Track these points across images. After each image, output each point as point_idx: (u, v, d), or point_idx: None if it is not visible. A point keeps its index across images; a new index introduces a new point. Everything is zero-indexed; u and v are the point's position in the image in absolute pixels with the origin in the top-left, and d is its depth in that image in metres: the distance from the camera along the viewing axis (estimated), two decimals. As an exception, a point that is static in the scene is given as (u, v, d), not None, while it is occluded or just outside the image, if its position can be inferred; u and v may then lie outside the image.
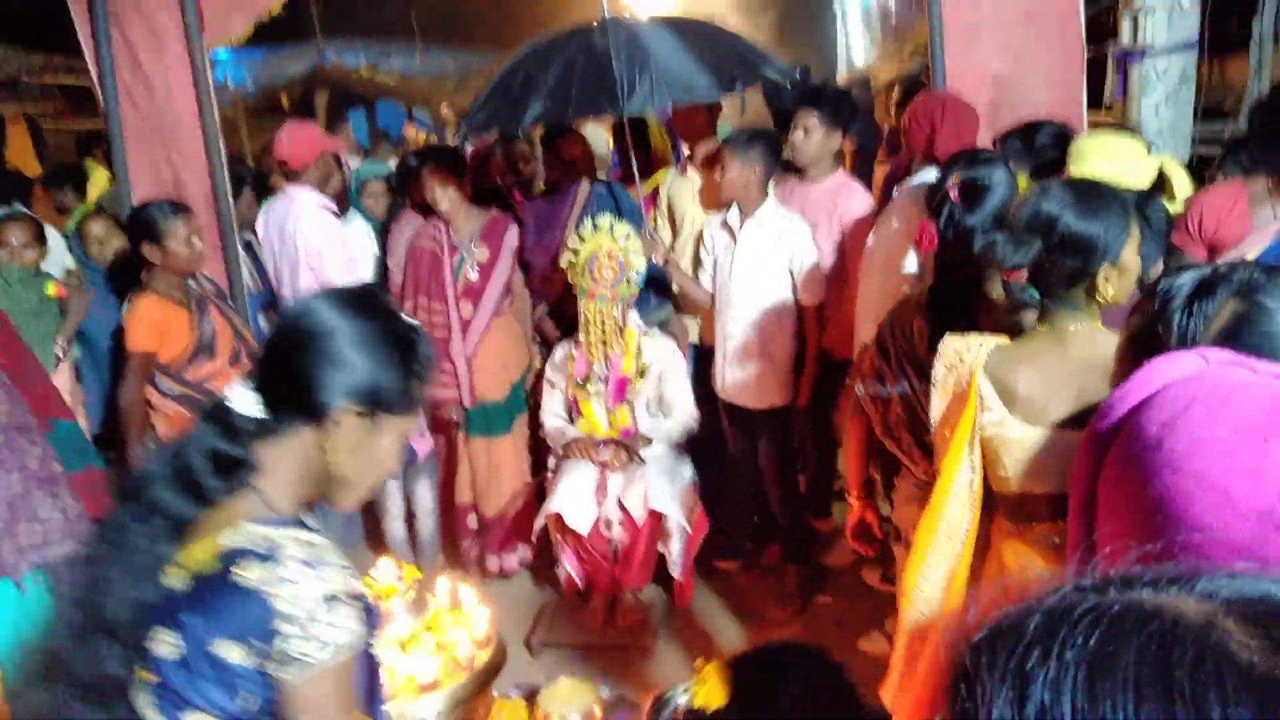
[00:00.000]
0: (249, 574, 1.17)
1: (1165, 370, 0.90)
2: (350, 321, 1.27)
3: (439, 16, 19.78)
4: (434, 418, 3.92)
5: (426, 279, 3.79)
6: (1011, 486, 1.84)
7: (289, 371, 1.27)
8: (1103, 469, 0.91)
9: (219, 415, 1.26)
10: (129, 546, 1.20)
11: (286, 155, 3.95)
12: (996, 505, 1.90)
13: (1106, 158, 2.68)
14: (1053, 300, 1.78)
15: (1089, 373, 1.71)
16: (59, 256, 4.36)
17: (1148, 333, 1.22)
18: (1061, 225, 1.71)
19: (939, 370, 1.95)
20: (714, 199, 3.75)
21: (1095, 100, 4.18)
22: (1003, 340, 1.89)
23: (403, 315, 1.35)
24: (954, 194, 2.24)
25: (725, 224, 3.59)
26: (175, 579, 1.21)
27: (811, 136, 3.54)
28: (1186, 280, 1.22)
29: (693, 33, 3.61)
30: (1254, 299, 1.13)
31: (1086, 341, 1.78)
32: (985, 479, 1.89)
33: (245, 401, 1.26)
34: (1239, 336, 1.07)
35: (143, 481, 1.24)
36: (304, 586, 1.17)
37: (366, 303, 1.32)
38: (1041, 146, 3.01)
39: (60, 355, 3.90)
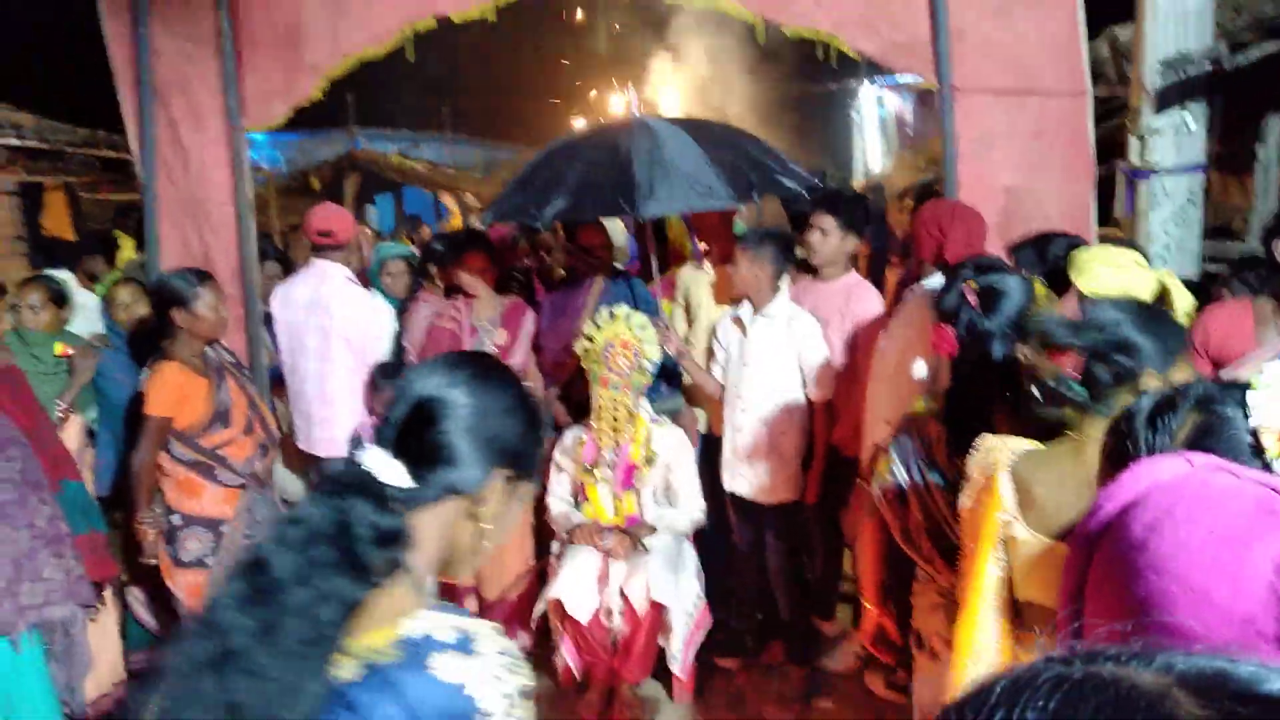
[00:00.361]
0: (448, 667, 1.10)
1: (1150, 473, 0.92)
2: (494, 389, 1.26)
3: (468, 111, 20.53)
4: None
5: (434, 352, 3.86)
6: (1017, 591, 1.84)
7: (440, 441, 1.22)
8: (1090, 568, 0.93)
9: (368, 485, 1.15)
10: (284, 634, 1.04)
11: (333, 227, 4.09)
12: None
13: (1108, 268, 2.74)
14: (1095, 402, 1.79)
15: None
16: (92, 320, 4.46)
17: (1119, 450, 1.26)
18: (1124, 328, 1.77)
19: (972, 468, 1.97)
20: (728, 293, 3.83)
21: (1105, 216, 4.27)
22: (1033, 444, 1.90)
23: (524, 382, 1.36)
24: (972, 299, 2.28)
25: (737, 318, 3.66)
26: (346, 668, 1.09)
27: (827, 238, 3.64)
28: (1147, 400, 1.28)
29: (714, 138, 3.73)
30: (1213, 409, 1.18)
31: None
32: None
33: (391, 470, 1.17)
34: (1204, 446, 1.11)
35: (286, 562, 1.07)
36: (503, 682, 1.12)
37: (498, 370, 1.32)
38: (1055, 257, 3.07)
39: (61, 416, 3.94)
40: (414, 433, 1.23)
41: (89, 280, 5.68)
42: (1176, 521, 0.83)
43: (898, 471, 2.42)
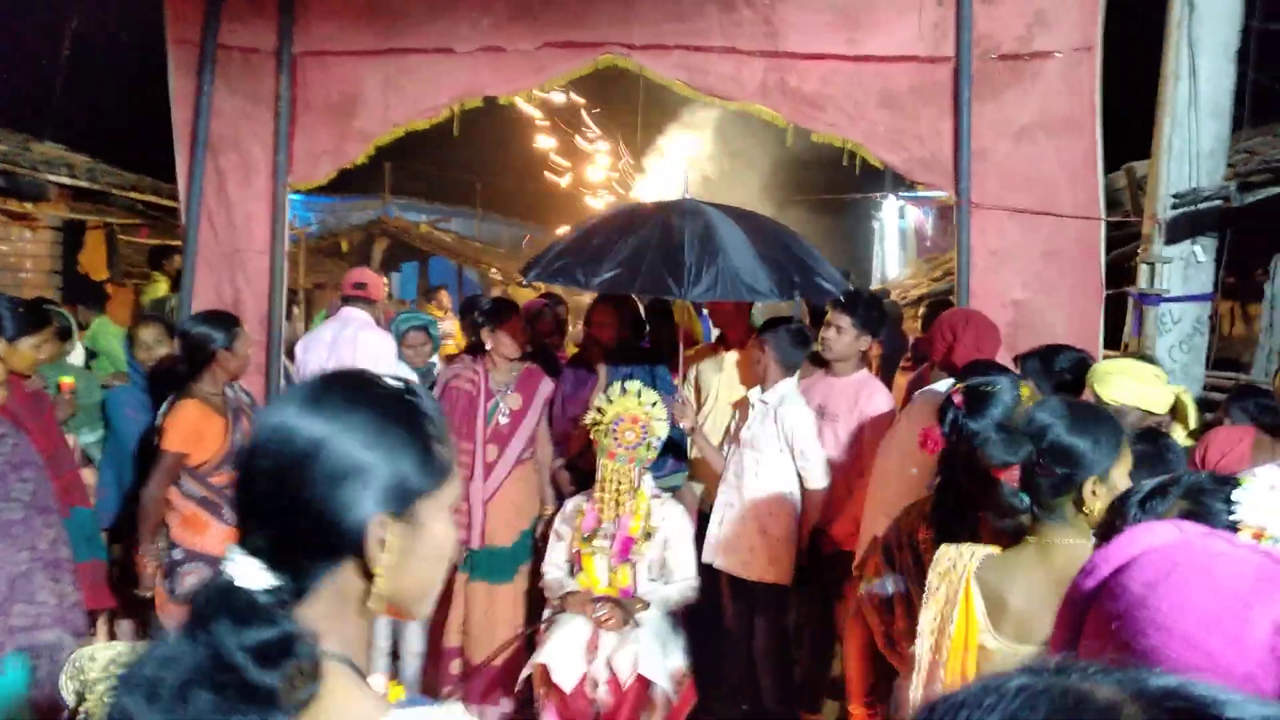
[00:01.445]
0: None
1: (1145, 536, 0.95)
2: (342, 419, 0.98)
3: (498, 190, 21.07)
4: None
5: (458, 419, 3.93)
6: None
7: (292, 513, 0.96)
8: (1085, 627, 0.95)
9: (231, 605, 0.91)
10: None
11: (367, 281, 4.70)
12: None
13: (1129, 379, 2.81)
14: (1041, 509, 1.85)
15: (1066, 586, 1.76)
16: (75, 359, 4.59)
17: (1110, 526, 1.34)
18: (1052, 434, 1.80)
19: (932, 578, 1.97)
20: (749, 378, 3.93)
21: (1112, 338, 4.38)
22: (994, 550, 1.92)
23: (385, 379, 1.07)
24: (958, 399, 2.36)
25: (743, 400, 3.77)
26: None
27: (842, 336, 3.75)
28: (1145, 485, 1.35)
29: (763, 231, 3.85)
30: (1199, 500, 1.26)
31: (1070, 556, 1.79)
32: None
33: (252, 575, 0.93)
34: None
35: None
36: None
37: (346, 389, 1.02)
38: (1060, 370, 3.14)
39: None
40: (264, 513, 0.97)
41: (81, 329, 5.76)
42: (1177, 580, 0.86)
43: (886, 577, 2.45)
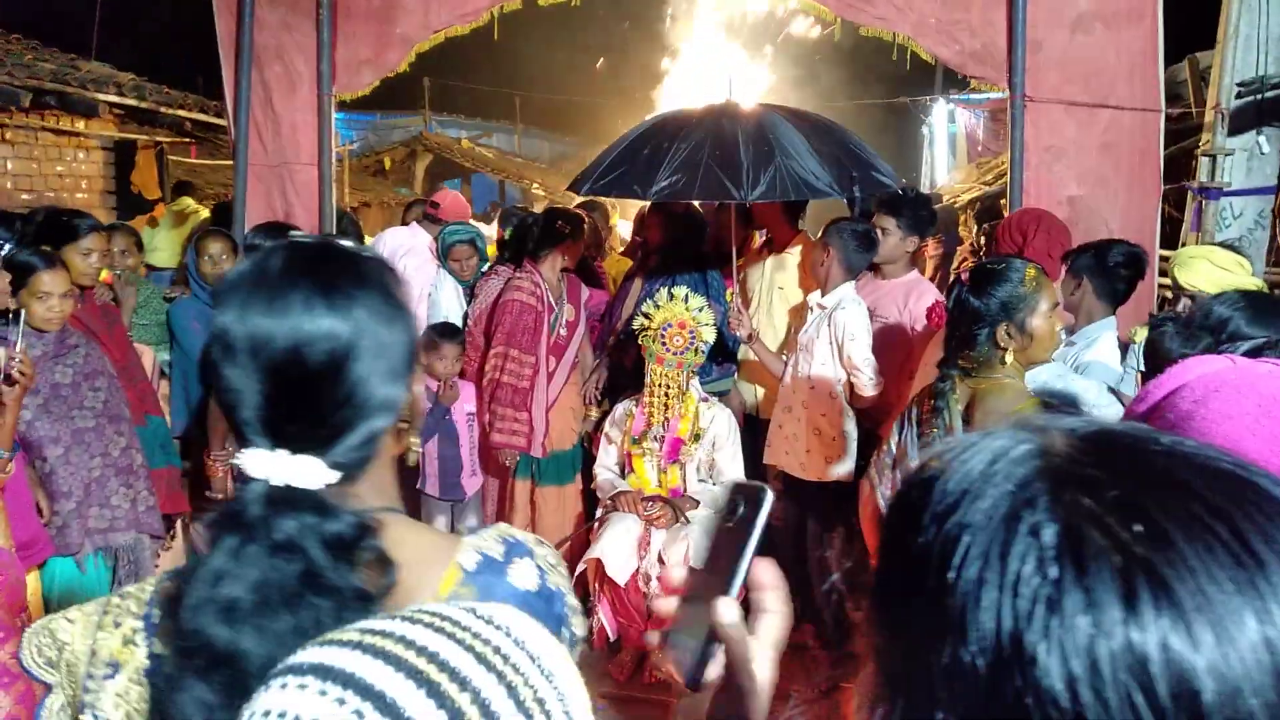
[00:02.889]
0: (526, 577, 1.02)
1: (1197, 365, 0.99)
2: (358, 307, 0.92)
3: (538, 104, 20.80)
4: (490, 460, 4.08)
5: (522, 334, 3.94)
6: None
7: (344, 406, 0.92)
8: None
9: (299, 505, 0.88)
10: None
11: (442, 201, 5.15)
12: None
13: (1210, 265, 2.78)
14: (981, 355, 2.13)
15: (990, 412, 2.12)
16: None
17: (1153, 352, 1.43)
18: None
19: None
20: (807, 282, 3.94)
21: (1171, 236, 4.28)
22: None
23: (352, 249, 1.01)
24: (964, 276, 2.37)
25: (804, 305, 3.76)
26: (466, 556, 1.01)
27: (888, 238, 3.70)
28: (1179, 320, 1.42)
29: (816, 129, 3.77)
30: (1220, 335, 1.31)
31: (995, 391, 2.21)
32: None
33: (312, 472, 0.89)
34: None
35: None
36: (562, 575, 1.09)
37: (343, 272, 0.95)
38: (1114, 264, 3.10)
39: None
40: (303, 413, 0.91)
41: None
42: (1223, 397, 0.91)
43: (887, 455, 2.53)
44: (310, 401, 0.91)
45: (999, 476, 0.49)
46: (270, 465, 0.88)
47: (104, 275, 4.16)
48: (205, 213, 6.86)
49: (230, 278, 0.95)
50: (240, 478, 0.91)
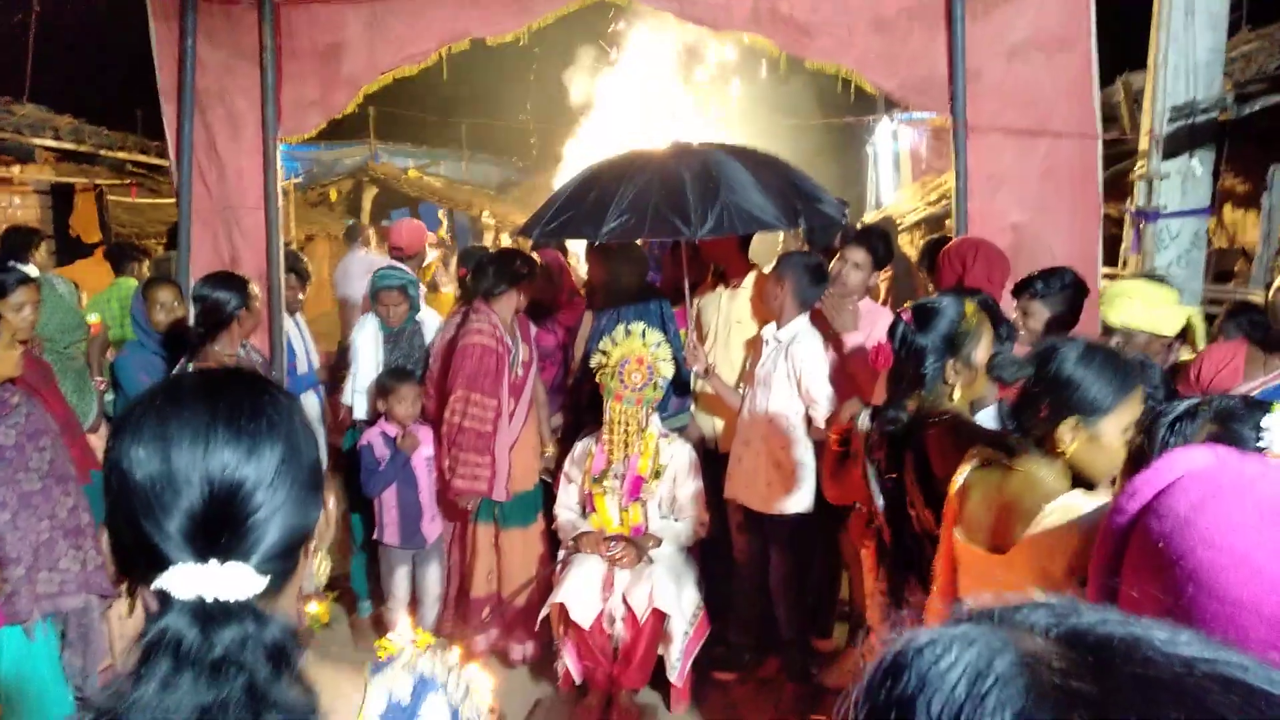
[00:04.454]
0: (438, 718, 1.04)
1: (1184, 460, 0.97)
2: (279, 440, 0.96)
3: (484, 130, 20.78)
4: (448, 505, 4.03)
5: (483, 377, 3.88)
6: (961, 592, 1.96)
7: (270, 526, 0.94)
8: (1128, 550, 0.97)
9: (234, 616, 0.88)
10: None
11: (400, 241, 5.36)
12: None
13: (1137, 302, 2.82)
14: (1023, 433, 1.88)
15: (1007, 511, 1.83)
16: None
17: (1139, 450, 1.37)
18: (1054, 365, 1.80)
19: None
20: (760, 315, 3.96)
21: (1111, 256, 4.38)
22: (983, 464, 1.99)
23: (248, 374, 1.04)
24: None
25: (758, 339, 3.79)
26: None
27: (859, 271, 3.77)
28: (1177, 407, 1.37)
29: (759, 164, 3.82)
30: (1228, 424, 1.28)
31: (1021, 480, 1.84)
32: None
33: (245, 581, 0.90)
34: None
35: None
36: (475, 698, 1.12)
37: (256, 410, 0.97)
38: (1060, 289, 3.15)
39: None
40: (224, 525, 0.92)
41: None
42: (1222, 501, 0.89)
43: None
44: (235, 516, 0.92)
45: (991, 704, 0.46)
46: (201, 578, 0.88)
47: (94, 320, 4.07)
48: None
49: (138, 407, 0.95)
50: (155, 604, 0.90)
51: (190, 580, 0.88)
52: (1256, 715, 0.43)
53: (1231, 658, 0.47)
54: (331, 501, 1.04)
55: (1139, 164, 4.29)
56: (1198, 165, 4.18)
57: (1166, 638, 0.48)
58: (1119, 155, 5.07)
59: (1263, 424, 1.27)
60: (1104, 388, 1.76)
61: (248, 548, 0.91)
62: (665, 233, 3.53)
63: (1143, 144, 4.27)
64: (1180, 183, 4.21)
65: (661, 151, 3.84)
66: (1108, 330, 2.82)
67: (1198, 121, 4.10)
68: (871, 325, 3.77)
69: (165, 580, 0.88)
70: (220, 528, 0.91)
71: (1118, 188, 4.85)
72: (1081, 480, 1.82)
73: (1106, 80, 4.38)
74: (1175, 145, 4.17)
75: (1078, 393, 1.76)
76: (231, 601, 0.88)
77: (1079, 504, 1.73)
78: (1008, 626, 0.51)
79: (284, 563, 0.95)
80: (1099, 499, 1.73)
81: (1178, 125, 4.11)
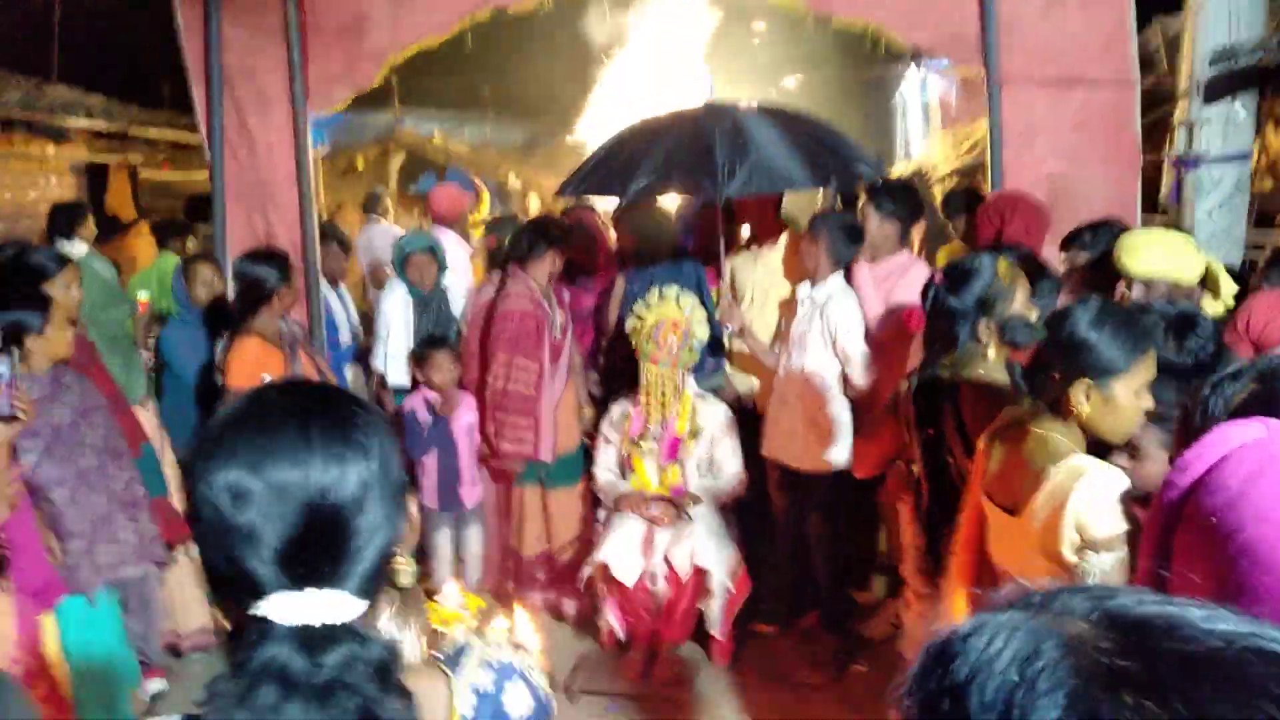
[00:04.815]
0: (521, 702, 1.06)
1: (1237, 434, 0.97)
2: (372, 446, 0.96)
3: (511, 92, 20.60)
4: (493, 469, 4.10)
5: (525, 340, 3.93)
6: (992, 558, 1.99)
7: (368, 548, 0.95)
8: (1179, 525, 0.97)
9: (345, 640, 0.90)
10: None
11: (441, 207, 5.54)
12: None
13: (1157, 250, 2.79)
14: (1038, 398, 1.87)
15: (1023, 469, 1.84)
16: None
17: (1185, 413, 1.38)
18: (1066, 328, 1.80)
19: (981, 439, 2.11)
20: (794, 275, 3.95)
21: (1150, 205, 4.31)
22: (1005, 425, 2.00)
23: (342, 392, 1.08)
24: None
25: (793, 298, 3.80)
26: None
27: (884, 226, 3.75)
28: (1224, 370, 1.37)
29: (793, 124, 3.81)
30: (1271, 383, 1.28)
31: (1035, 441, 1.84)
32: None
33: (346, 606, 0.91)
34: (1250, 413, 1.20)
35: None
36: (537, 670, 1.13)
37: (355, 417, 0.98)
38: (1106, 245, 3.11)
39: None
40: (324, 552, 0.93)
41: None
42: (1274, 474, 0.89)
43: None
44: (331, 540, 0.92)
45: (1043, 686, 0.48)
46: (301, 606, 0.89)
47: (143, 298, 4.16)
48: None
49: (226, 429, 0.94)
50: (243, 629, 0.91)
51: (291, 607, 0.88)
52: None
53: (1269, 631, 0.48)
54: (413, 506, 1.05)
55: (1178, 109, 4.21)
56: (1240, 109, 4.09)
57: (1204, 615, 0.50)
58: (1156, 101, 4.96)
59: None
60: (1117, 350, 1.75)
61: (347, 572, 0.92)
62: (692, 191, 3.55)
63: (1181, 86, 4.17)
64: (1222, 128, 4.12)
65: (693, 111, 3.85)
66: (1127, 280, 2.78)
67: (1239, 65, 4.00)
68: (900, 282, 3.76)
69: (265, 608, 0.89)
70: (320, 554, 0.91)
71: (1156, 134, 4.76)
72: (1096, 443, 1.82)
73: (1141, 23, 4.28)
74: (1216, 90, 4.08)
75: (1090, 355, 1.75)
76: (335, 625, 0.89)
77: (1083, 465, 1.73)
78: (1048, 612, 0.52)
79: (376, 579, 0.95)
80: (1107, 465, 1.74)
81: (1218, 69, 4.01)
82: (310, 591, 0.89)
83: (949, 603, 2.15)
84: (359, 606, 0.92)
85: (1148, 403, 1.78)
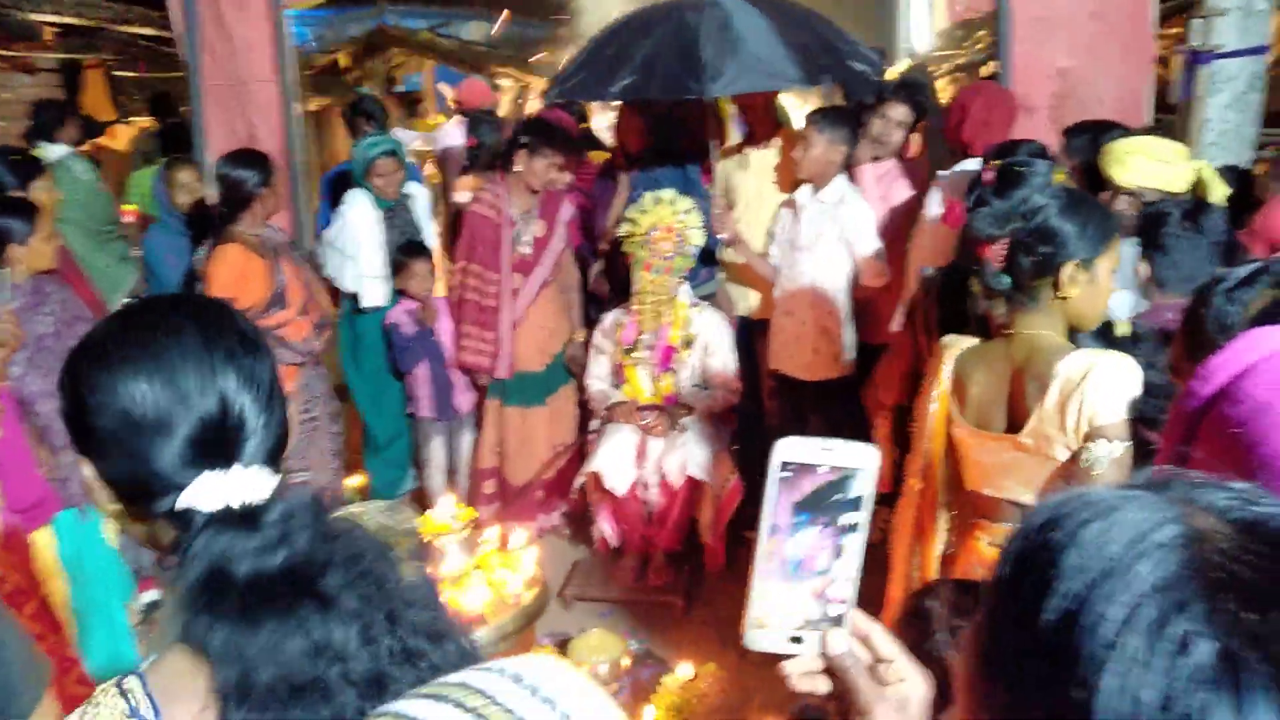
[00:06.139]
0: None
1: (1264, 343, 0.93)
2: (258, 367, 1.00)
3: (502, -13, 19.86)
4: (473, 380, 4.06)
5: (481, 249, 3.85)
6: (964, 483, 1.93)
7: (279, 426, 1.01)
8: (1199, 435, 0.93)
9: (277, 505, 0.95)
10: None
11: (471, 93, 5.87)
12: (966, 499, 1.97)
13: (1144, 158, 2.70)
14: (1019, 291, 1.83)
15: (1020, 376, 1.80)
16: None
17: (1194, 318, 1.32)
18: (1043, 215, 1.77)
19: (930, 365, 2.04)
20: (786, 181, 3.81)
21: (1162, 102, 4.16)
22: (976, 341, 1.96)
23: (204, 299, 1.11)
24: (988, 175, 2.31)
25: (791, 201, 3.68)
26: None
27: (903, 128, 3.64)
28: (1235, 273, 1.31)
29: (785, 17, 3.63)
30: None
31: (1024, 344, 1.82)
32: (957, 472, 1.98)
33: (262, 482, 0.95)
34: (1271, 320, 1.14)
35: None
36: None
37: (243, 338, 1.02)
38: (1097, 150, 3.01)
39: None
40: (228, 437, 0.96)
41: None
42: None
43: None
44: (241, 426, 0.96)
45: (1144, 567, 0.44)
46: (225, 485, 0.92)
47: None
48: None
49: (120, 333, 0.97)
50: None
51: (216, 489, 0.90)
52: None
53: None
54: (292, 408, 1.07)
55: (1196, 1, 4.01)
56: (1260, -1, 3.90)
57: None
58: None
59: None
60: (1095, 228, 1.77)
61: (254, 451, 0.95)
62: (676, 90, 3.40)
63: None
64: (1240, 19, 3.93)
65: (684, 4, 3.66)
66: (1114, 189, 2.70)
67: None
68: (888, 188, 3.66)
69: (189, 498, 0.90)
70: (230, 438, 0.94)
71: (1170, 26, 4.57)
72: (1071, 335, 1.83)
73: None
74: (1236, -23, 3.88)
75: (1076, 236, 1.76)
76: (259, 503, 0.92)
77: (1091, 357, 1.72)
78: (1183, 500, 0.48)
79: (276, 467, 0.99)
80: (1116, 353, 1.73)
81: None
82: (234, 469, 0.92)
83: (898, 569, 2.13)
84: (272, 479, 0.95)
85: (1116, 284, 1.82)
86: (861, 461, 0.78)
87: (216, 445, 0.93)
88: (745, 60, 3.34)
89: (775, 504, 0.79)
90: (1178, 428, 0.96)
